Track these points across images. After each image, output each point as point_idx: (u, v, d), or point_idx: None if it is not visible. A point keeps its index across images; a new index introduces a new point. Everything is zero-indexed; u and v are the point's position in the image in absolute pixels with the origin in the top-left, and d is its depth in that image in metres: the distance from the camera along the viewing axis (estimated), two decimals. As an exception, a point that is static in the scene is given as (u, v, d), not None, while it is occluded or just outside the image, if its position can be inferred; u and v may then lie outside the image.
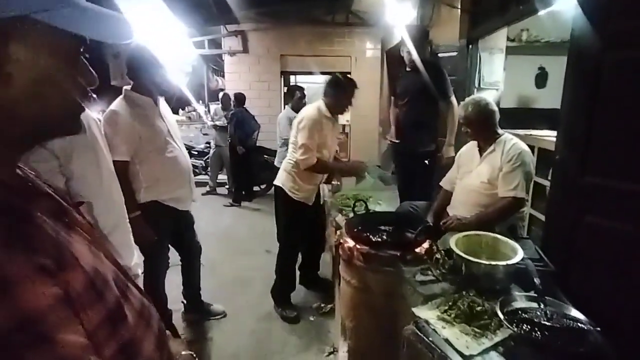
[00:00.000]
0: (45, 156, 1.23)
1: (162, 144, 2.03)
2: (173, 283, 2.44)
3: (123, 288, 0.55)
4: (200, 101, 9.29)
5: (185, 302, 2.55)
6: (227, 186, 6.02)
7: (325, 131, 2.34)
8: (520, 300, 1.18)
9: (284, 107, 5.05)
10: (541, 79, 3.90)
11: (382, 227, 1.73)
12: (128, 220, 1.63)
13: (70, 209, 0.58)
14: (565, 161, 1.62)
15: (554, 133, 2.85)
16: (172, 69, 2.15)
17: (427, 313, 1.17)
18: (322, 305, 2.63)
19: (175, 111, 8.81)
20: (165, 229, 2.14)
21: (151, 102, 2.03)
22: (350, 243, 1.56)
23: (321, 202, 2.59)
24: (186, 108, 8.41)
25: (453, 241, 1.43)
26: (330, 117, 2.38)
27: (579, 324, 1.04)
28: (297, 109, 3.78)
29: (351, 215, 2.17)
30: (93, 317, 0.46)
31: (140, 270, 1.55)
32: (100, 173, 1.38)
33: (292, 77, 7.56)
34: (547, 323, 1.05)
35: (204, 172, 6.51)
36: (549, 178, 2.52)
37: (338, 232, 1.91)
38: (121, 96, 1.98)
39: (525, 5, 2.58)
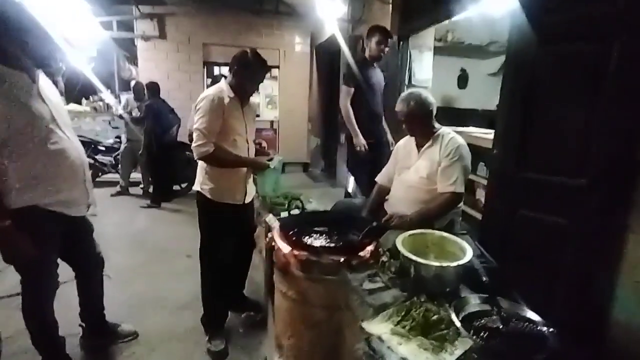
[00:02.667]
0: None
1: (42, 132, 1.58)
2: (70, 303, 2.00)
3: None
4: (109, 90, 8.15)
5: (83, 325, 2.09)
6: (141, 186, 5.33)
7: (231, 115, 1.96)
8: (474, 303, 1.10)
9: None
10: (462, 81, 4.13)
11: (320, 229, 1.52)
12: None
13: None
14: (501, 157, 1.63)
15: (481, 130, 3.02)
16: (67, 47, 1.68)
17: (378, 327, 1.01)
18: (252, 314, 2.35)
19: (78, 100, 7.58)
20: (50, 241, 1.69)
21: (24, 77, 1.57)
22: (286, 249, 1.34)
23: (246, 202, 2.17)
24: (91, 97, 7.25)
25: (399, 242, 1.31)
26: (235, 98, 2.00)
27: (535, 327, 0.98)
28: None
29: (283, 214, 1.95)
30: None
31: None
32: None
33: (216, 69, 7.02)
34: (505, 329, 0.96)
35: (113, 170, 5.67)
36: (477, 173, 2.63)
37: (269, 235, 1.68)
38: None
39: (451, 5, 2.63)
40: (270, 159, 2.11)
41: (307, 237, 1.43)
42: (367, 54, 2.91)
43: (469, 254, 1.22)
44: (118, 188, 5.25)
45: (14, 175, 1.53)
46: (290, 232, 1.44)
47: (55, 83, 1.83)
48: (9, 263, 1.60)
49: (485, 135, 2.62)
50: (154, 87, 4.89)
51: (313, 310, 1.25)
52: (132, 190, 5.34)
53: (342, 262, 1.24)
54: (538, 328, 0.96)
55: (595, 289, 1.30)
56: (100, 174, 5.66)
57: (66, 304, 1.94)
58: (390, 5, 3.41)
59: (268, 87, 7.48)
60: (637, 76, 1.18)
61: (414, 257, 1.20)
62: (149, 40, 6.26)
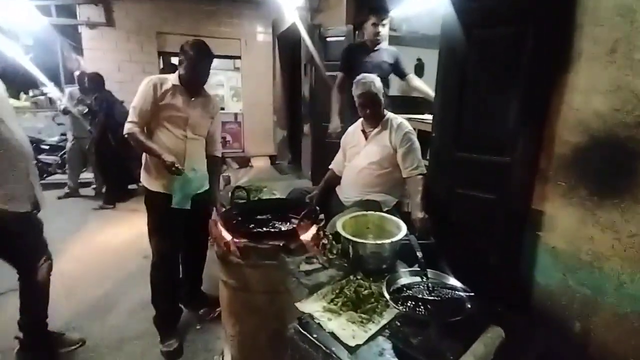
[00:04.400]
0: None
1: None
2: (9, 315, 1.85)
3: None
4: (53, 83, 7.59)
5: (20, 336, 1.89)
6: (93, 186, 4.99)
7: (168, 101, 1.92)
8: (405, 277, 1.15)
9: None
10: (419, 70, 4.21)
11: (264, 217, 1.52)
12: None
13: None
14: (440, 139, 1.69)
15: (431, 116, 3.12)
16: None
17: (312, 306, 1.03)
18: (209, 310, 2.30)
19: (16, 95, 6.98)
20: None
21: None
22: (227, 237, 1.33)
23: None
24: (31, 91, 6.69)
25: (340, 224, 1.34)
26: (181, 87, 1.95)
27: (456, 292, 1.04)
28: None
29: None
30: None
31: None
32: None
33: (173, 60, 6.73)
34: (429, 297, 1.02)
35: (60, 171, 5.28)
36: (428, 157, 2.73)
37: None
38: None
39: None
40: (193, 169, 1.97)
41: (249, 225, 1.42)
42: (365, 38, 2.86)
43: (402, 231, 1.27)
44: (66, 190, 4.82)
45: None
46: (233, 221, 1.43)
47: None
48: None
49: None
50: (97, 79, 4.56)
51: (254, 296, 1.26)
52: (82, 191, 4.96)
53: (280, 246, 1.25)
54: (458, 293, 1.03)
55: (519, 257, 1.41)
56: (45, 175, 5.21)
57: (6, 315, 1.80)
58: (345, -6, 3.42)
59: (232, 78, 7.24)
60: (546, 56, 1.27)
61: (349, 237, 1.23)
62: (95, 28, 5.86)
